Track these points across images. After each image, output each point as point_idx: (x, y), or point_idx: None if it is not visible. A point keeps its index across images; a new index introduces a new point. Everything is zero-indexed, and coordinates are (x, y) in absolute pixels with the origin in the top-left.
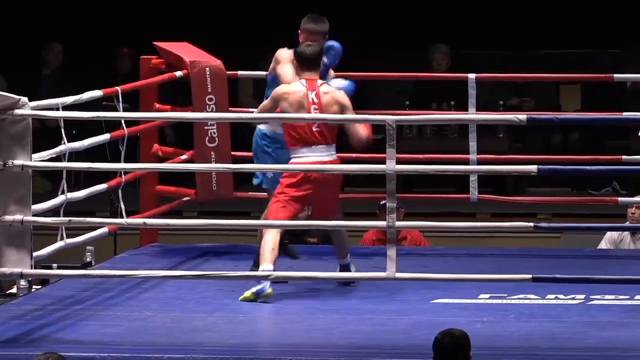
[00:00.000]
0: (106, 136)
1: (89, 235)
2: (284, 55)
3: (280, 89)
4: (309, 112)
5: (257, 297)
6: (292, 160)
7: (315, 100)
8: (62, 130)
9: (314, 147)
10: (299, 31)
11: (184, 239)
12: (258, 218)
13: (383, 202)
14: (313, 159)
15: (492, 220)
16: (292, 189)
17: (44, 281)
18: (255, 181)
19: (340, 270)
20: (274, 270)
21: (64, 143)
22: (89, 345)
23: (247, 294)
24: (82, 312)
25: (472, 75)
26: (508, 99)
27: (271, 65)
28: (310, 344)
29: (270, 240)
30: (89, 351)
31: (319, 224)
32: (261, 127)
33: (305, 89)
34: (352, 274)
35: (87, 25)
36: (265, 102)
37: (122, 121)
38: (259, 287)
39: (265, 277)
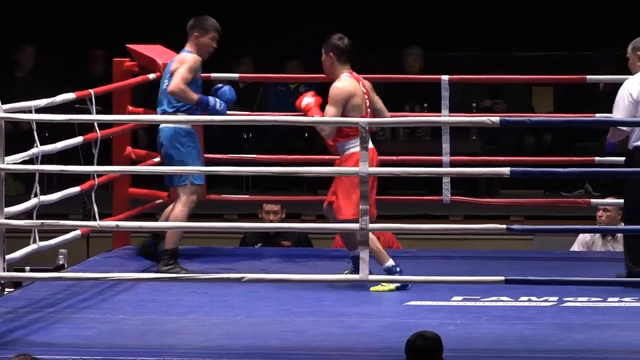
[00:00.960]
0: (79, 139)
1: (61, 238)
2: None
3: (347, 88)
4: (366, 102)
5: (399, 289)
6: (350, 151)
7: (364, 90)
8: (35, 133)
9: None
10: (201, 31)
11: None
12: (231, 220)
13: None
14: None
15: (465, 222)
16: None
17: (16, 284)
18: (180, 181)
19: (352, 262)
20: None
21: (37, 146)
22: (62, 347)
23: (392, 286)
24: (54, 314)
25: (445, 77)
26: (481, 100)
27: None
28: (284, 347)
29: (372, 239)
30: (62, 354)
31: (290, 226)
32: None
33: (356, 81)
34: (326, 277)
35: (60, 27)
36: (329, 108)
37: (95, 124)
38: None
39: (239, 280)
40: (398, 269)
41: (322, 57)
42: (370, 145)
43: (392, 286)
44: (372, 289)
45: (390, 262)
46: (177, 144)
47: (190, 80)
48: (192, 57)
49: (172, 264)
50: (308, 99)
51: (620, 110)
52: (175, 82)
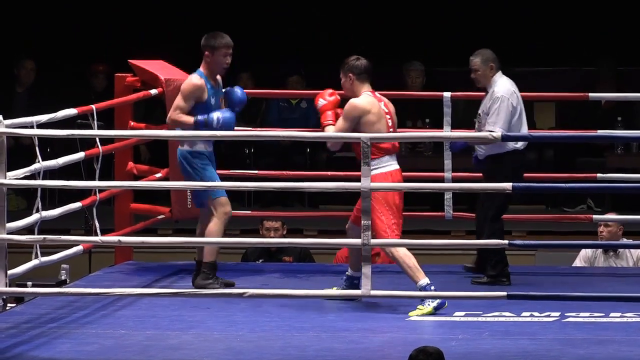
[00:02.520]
0: (81, 154)
1: (63, 254)
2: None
3: (362, 104)
4: (387, 122)
5: (437, 310)
6: (379, 170)
7: (386, 110)
8: (37, 149)
9: (393, 155)
10: (210, 50)
11: (158, 256)
12: (233, 236)
13: None
14: (394, 167)
15: (467, 237)
16: (391, 196)
17: (18, 299)
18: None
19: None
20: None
21: (39, 161)
22: None
23: (429, 308)
24: (56, 330)
25: (447, 94)
26: None
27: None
28: None
29: (407, 255)
30: None
31: (292, 241)
32: (187, 147)
33: (377, 100)
34: (327, 292)
35: (62, 42)
36: (341, 122)
37: (97, 139)
38: (436, 301)
39: (241, 295)
40: (432, 288)
41: (342, 80)
42: (396, 166)
43: (430, 308)
44: (410, 313)
45: (425, 281)
46: (188, 166)
47: (187, 109)
48: (188, 85)
49: (210, 277)
50: (322, 101)
51: (502, 120)
52: (169, 113)
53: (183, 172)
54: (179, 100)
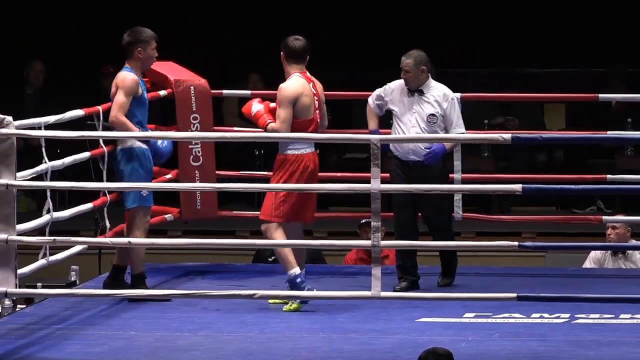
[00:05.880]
0: (86, 154)
1: (70, 252)
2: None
3: (293, 87)
4: (314, 103)
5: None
6: (291, 152)
7: (314, 91)
8: (43, 149)
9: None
10: (143, 45)
11: (168, 258)
12: (243, 237)
13: (363, 221)
14: (310, 149)
15: (477, 239)
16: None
17: (28, 300)
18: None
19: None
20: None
21: (45, 162)
22: None
23: (296, 304)
24: (66, 331)
25: (457, 95)
26: (493, 117)
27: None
28: None
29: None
30: None
31: (303, 242)
32: (142, 144)
33: (306, 81)
34: (338, 293)
35: (71, 43)
36: (280, 111)
37: (101, 140)
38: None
39: (251, 296)
40: (304, 285)
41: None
42: (312, 149)
43: (297, 303)
44: (284, 308)
45: (295, 272)
46: (126, 163)
47: (128, 105)
48: (128, 80)
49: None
50: (257, 106)
51: (462, 121)
52: (114, 112)
53: (120, 166)
54: (121, 97)
